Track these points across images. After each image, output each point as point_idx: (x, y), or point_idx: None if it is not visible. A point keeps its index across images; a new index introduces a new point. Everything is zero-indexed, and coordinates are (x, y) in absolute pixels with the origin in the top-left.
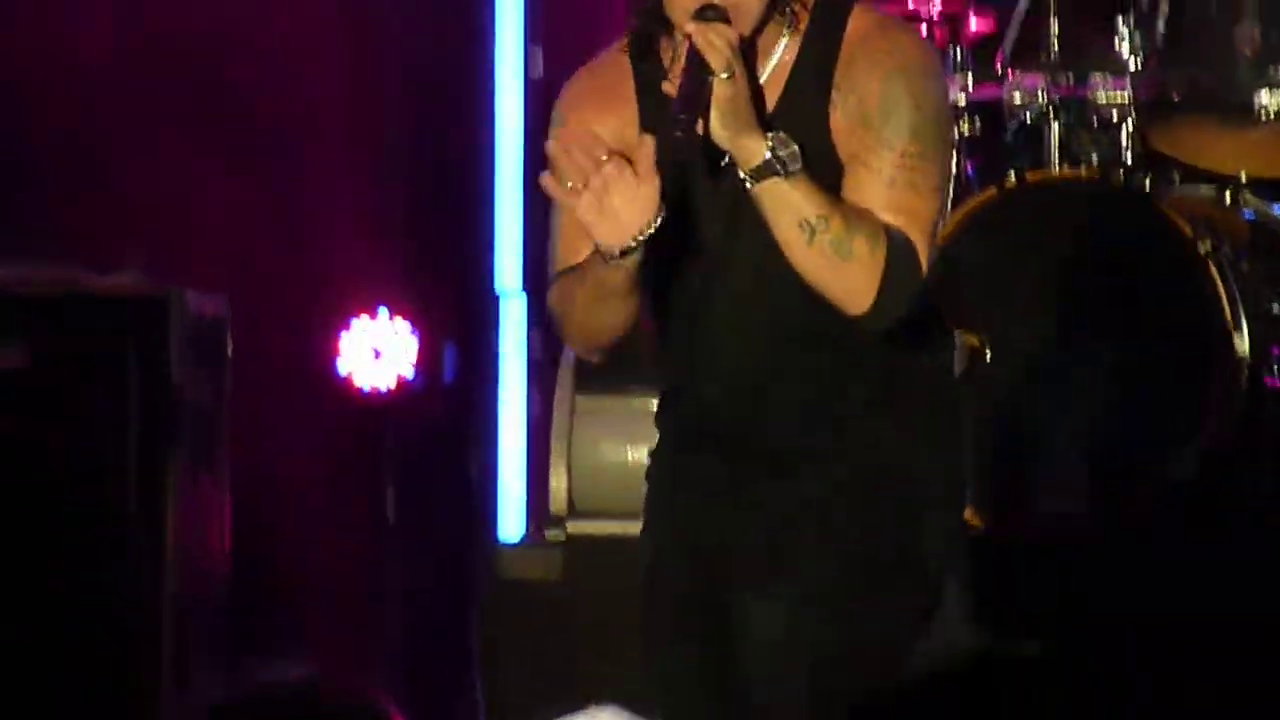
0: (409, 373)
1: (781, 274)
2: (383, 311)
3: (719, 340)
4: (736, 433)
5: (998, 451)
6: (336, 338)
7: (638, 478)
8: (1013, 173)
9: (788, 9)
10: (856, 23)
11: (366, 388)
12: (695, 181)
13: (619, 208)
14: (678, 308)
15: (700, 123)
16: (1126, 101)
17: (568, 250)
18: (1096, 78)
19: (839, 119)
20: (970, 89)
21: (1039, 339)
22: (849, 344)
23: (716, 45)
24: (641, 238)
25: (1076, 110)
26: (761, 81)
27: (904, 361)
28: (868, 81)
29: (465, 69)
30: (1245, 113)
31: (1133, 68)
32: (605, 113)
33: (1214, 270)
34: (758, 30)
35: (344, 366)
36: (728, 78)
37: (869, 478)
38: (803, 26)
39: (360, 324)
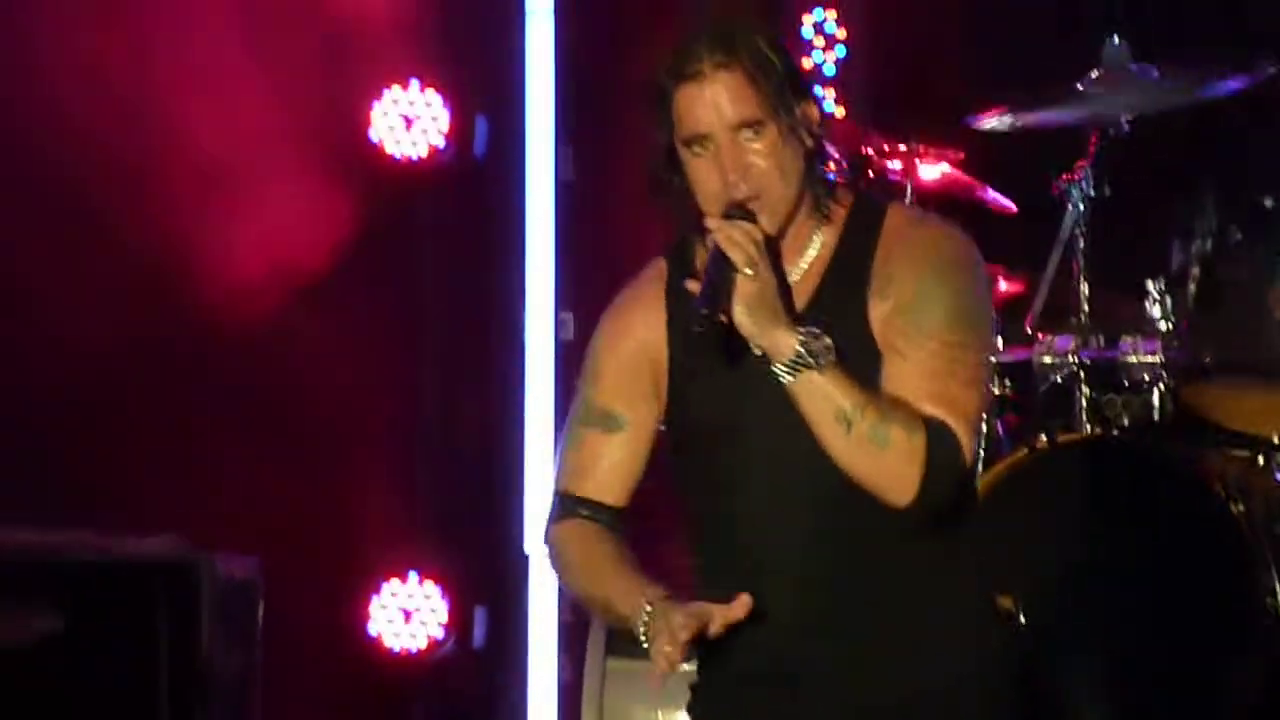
0: (439, 635)
1: (825, 475)
2: (412, 575)
3: (766, 556)
4: (784, 659)
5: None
6: (367, 601)
7: None
8: (1044, 434)
9: (823, 205)
10: (893, 219)
11: (397, 648)
12: (723, 378)
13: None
14: (724, 531)
15: (724, 318)
16: (1158, 363)
17: (579, 473)
18: (1127, 340)
19: (877, 311)
20: (1000, 349)
21: (1071, 602)
22: (895, 552)
23: (739, 241)
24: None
25: (1107, 372)
26: (796, 277)
27: (947, 572)
28: (905, 273)
29: (494, 329)
30: (1278, 374)
31: (1164, 329)
32: (636, 328)
33: (1248, 534)
34: (791, 226)
35: (374, 629)
36: (751, 274)
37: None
38: (839, 222)
39: (390, 587)
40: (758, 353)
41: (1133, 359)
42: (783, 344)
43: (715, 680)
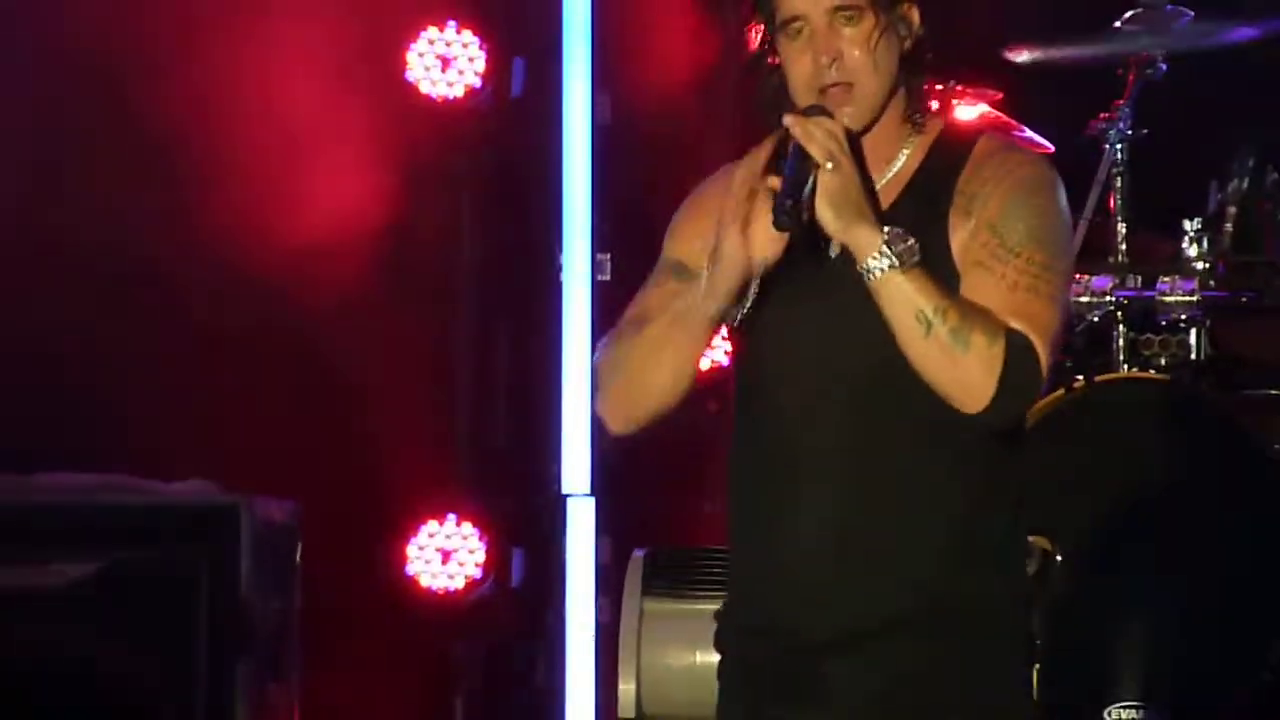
0: (477, 575)
1: (875, 384)
2: (450, 517)
3: (809, 462)
4: (805, 608)
5: (1067, 655)
6: (405, 543)
7: (706, 681)
8: (1081, 374)
9: (914, 116)
10: (984, 145)
11: (435, 589)
12: (802, 274)
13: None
14: (773, 424)
15: (806, 214)
16: (1195, 303)
17: (642, 316)
18: (1165, 280)
19: (959, 228)
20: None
21: (1110, 543)
22: (945, 489)
23: (816, 136)
24: (770, 258)
25: (1145, 312)
26: (880, 184)
27: (986, 523)
28: (993, 191)
29: (531, 270)
30: None
31: (1201, 269)
32: (708, 220)
33: None
34: (878, 129)
35: (411, 569)
36: (832, 168)
37: (943, 662)
38: (928, 140)
39: (428, 528)
40: (835, 252)
41: (1170, 299)
42: (866, 241)
43: (738, 598)
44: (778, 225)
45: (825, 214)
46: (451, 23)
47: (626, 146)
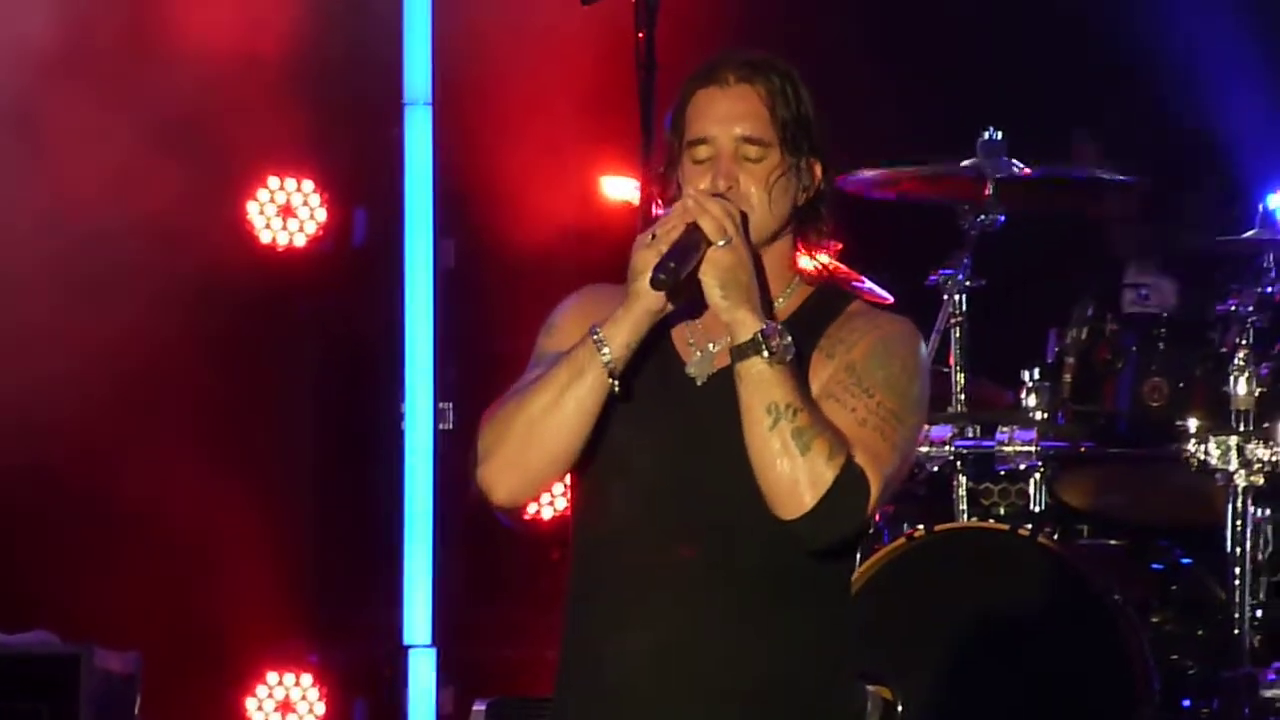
0: None
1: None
2: (290, 670)
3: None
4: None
5: None
6: (244, 695)
7: None
8: (922, 523)
9: (793, 264)
10: (859, 305)
11: None
12: (653, 399)
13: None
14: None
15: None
16: (1034, 453)
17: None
18: (1004, 430)
19: (819, 371)
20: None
21: (951, 690)
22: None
23: (713, 211)
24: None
25: (984, 461)
26: None
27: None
28: (859, 340)
29: (374, 419)
30: (1152, 464)
31: (1040, 419)
32: (603, 309)
33: (1125, 624)
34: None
35: None
36: (725, 244)
37: None
38: (804, 291)
39: (269, 680)
40: (692, 372)
41: (1009, 448)
42: (746, 322)
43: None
44: (653, 282)
45: (711, 288)
46: (293, 173)
47: (471, 291)
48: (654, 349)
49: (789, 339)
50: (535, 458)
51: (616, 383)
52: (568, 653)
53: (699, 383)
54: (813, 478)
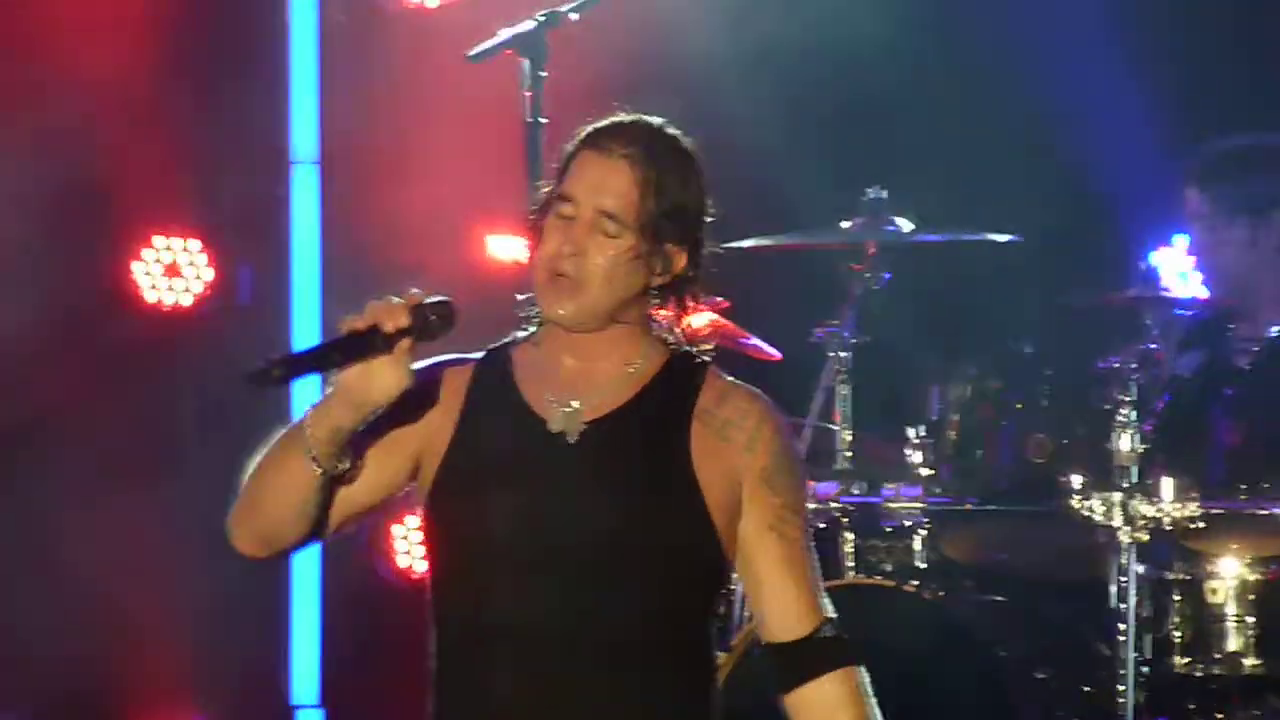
0: None
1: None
2: None
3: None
4: None
5: None
6: None
7: None
8: None
9: (658, 332)
10: (712, 375)
11: None
12: (524, 456)
13: (374, 370)
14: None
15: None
16: (920, 509)
17: None
18: (889, 486)
19: (704, 439)
20: None
21: None
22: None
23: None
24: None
25: (870, 518)
26: (619, 378)
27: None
28: (755, 433)
29: None
30: (1036, 519)
31: (925, 475)
32: (429, 386)
33: (1011, 679)
34: (622, 335)
35: None
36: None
37: None
38: (658, 361)
39: None
40: (558, 428)
41: (894, 505)
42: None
43: None
44: (249, 378)
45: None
46: (177, 232)
47: None
48: (508, 409)
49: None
50: (263, 522)
51: (319, 470)
52: (436, 707)
53: (570, 440)
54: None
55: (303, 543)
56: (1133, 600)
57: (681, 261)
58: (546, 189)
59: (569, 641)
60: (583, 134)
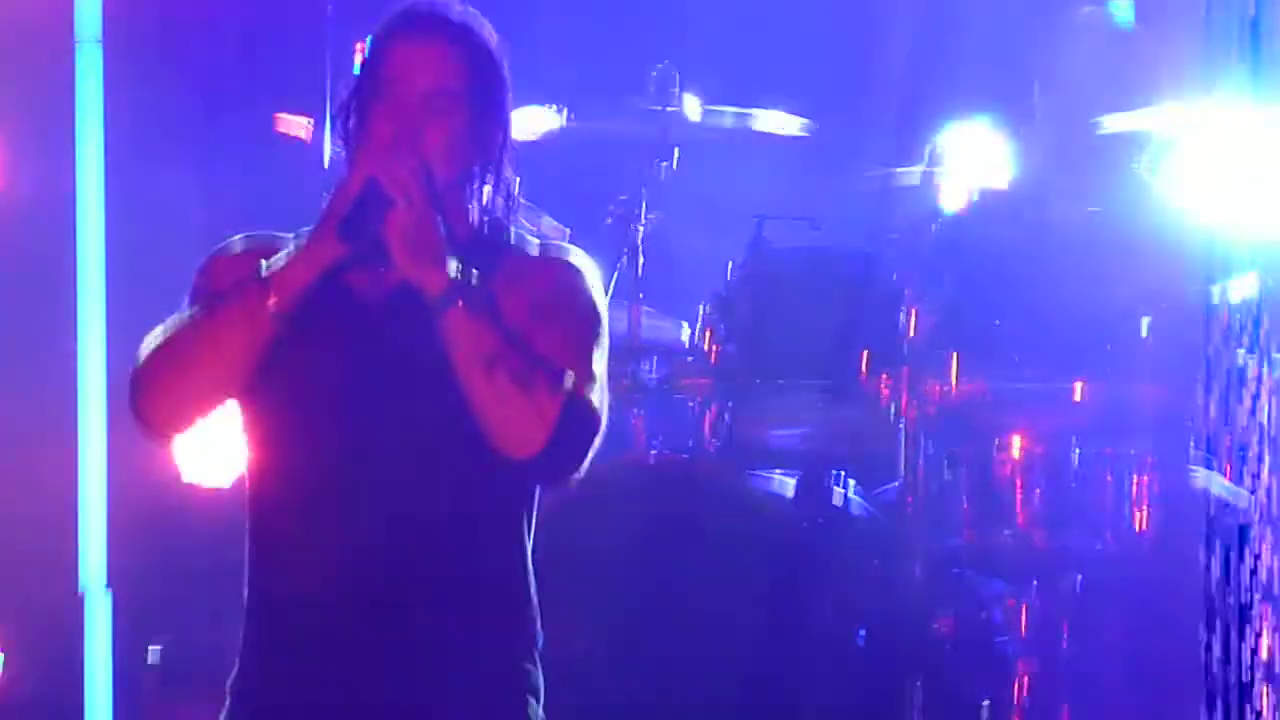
0: None
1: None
2: None
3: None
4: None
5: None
6: None
7: None
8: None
9: (469, 205)
10: (521, 239)
11: None
12: (331, 333)
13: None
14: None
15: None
16: (709, 386)
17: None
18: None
19: (510, 299)
20: None
21: (623, 630)
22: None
23: (394, 173)
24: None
25: (662, 396)
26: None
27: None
28: (540, 274)
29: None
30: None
31: (715, 351)
32: (253, 260)
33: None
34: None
35: None
36: (406, 206)
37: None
38: (469, 229)
39: None
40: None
41: (687, 382)
42: (434, 280)
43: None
44: (340, 234)
45: (395, 249)
46: None
47: (145, 235)
48: (327, 285)
49: (482, 284)
50: (191, 389)
51: (280, 321)
52: (255, 576)
53: (373, 305)
54: (540, 413)
55: (211, 410)
56: (920, 475)
57: (502, 139)
58: (360, 85)
59: (397, 495)
60: (385, 24)
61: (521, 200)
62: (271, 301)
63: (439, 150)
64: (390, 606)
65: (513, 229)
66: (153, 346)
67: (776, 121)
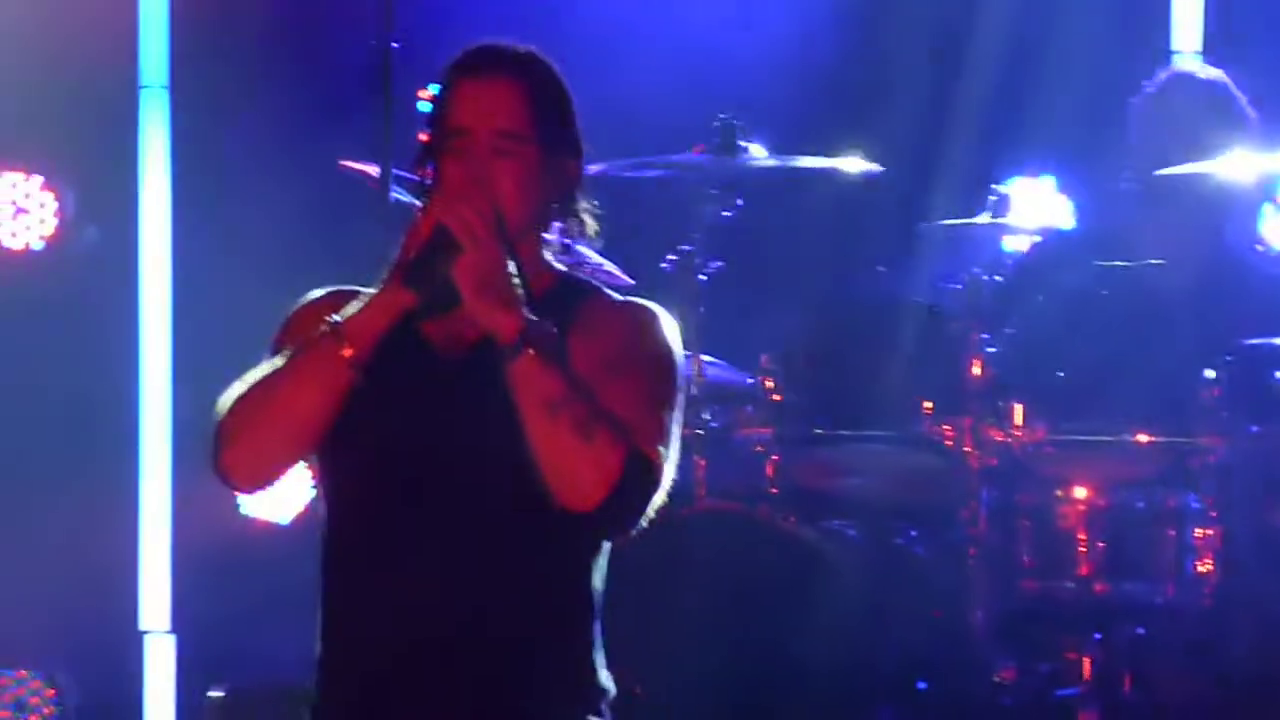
0: None
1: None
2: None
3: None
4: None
5: None
6: None
7: None
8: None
9: (543, 256)
10: (601, 292)
11: None
12: (403, 386)
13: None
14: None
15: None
16: (770, 435)
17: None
18: (740, 412)
19: (574, 354)
20: None
21: (692, 677)
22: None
23: (463, 216)
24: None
25: (720, 443)
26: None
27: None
28: (614, 326)
29: (110, 409)
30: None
31: (775, 401)
32: (341, 305)
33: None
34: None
35: None
36: (473, 247)
37: None
38: (552, 277)
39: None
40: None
41: (746, 430)
42: (505, 324)
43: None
44: (407, 280)
45: (466, 294)
46: (25, 170)
47: (209, 282)
48: (404, 338)
49: (553, 329)
50: (273, 441)
51: (357, 371)
52: (328, 627)
53: (450, 360)
54: (600, 464)
55: (295, 463)
56: (981, 527)
57: (575, 169)
58: (430, 128)
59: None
60: (453, 65)
61: (598, 234)
62: (346, 352)
63: (510, 192)
64: (461, 663)
65: (591, 277)
66: (233, 399)
67: (839, 168)
